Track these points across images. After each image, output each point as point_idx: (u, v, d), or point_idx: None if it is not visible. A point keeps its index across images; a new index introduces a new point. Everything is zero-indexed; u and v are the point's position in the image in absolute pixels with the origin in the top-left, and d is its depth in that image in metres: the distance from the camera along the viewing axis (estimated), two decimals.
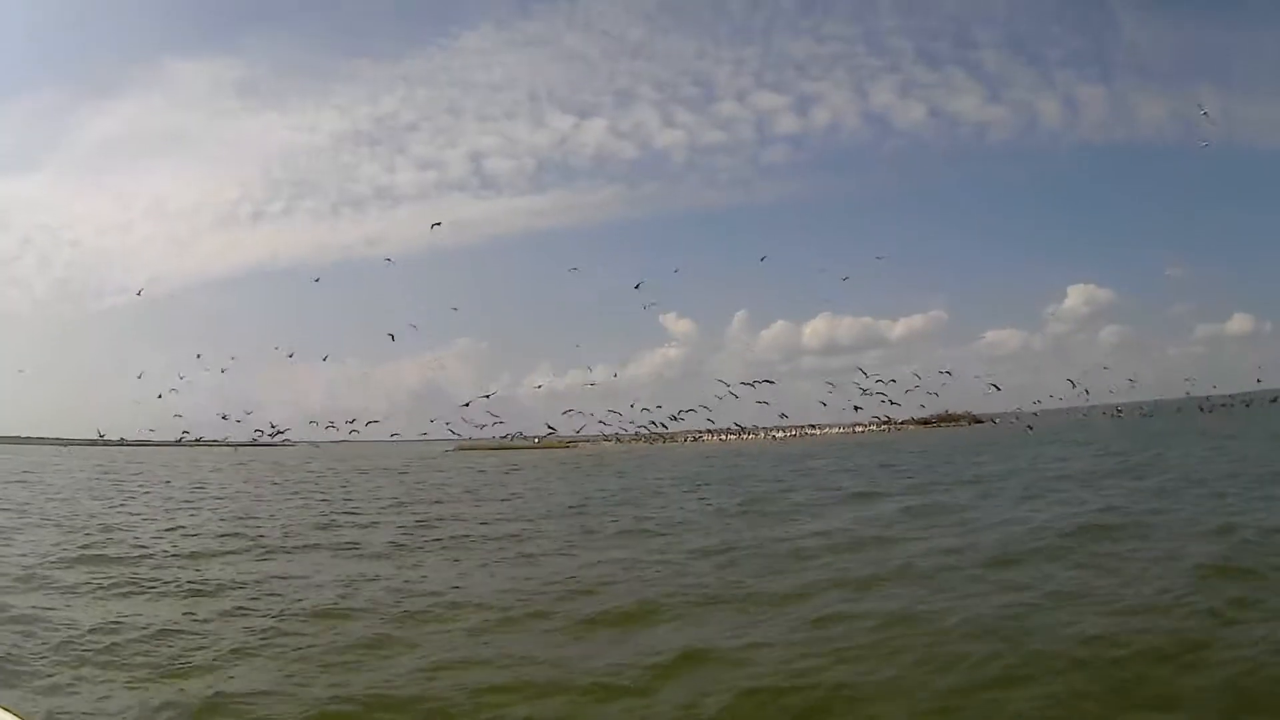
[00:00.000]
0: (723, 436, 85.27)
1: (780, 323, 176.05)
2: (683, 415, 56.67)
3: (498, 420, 49.62)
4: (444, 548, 14.77)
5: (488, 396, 46.76)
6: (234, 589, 11.01)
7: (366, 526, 18.33)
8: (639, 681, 6.92)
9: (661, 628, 8.70)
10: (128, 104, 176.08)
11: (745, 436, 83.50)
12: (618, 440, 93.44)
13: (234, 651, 8.01)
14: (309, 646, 8.15)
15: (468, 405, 46.28)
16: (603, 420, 57.55)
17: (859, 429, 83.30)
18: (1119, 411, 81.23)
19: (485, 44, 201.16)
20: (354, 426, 49.57)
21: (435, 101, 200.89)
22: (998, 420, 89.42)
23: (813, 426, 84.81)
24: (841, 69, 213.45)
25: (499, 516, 19.93)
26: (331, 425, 49.90)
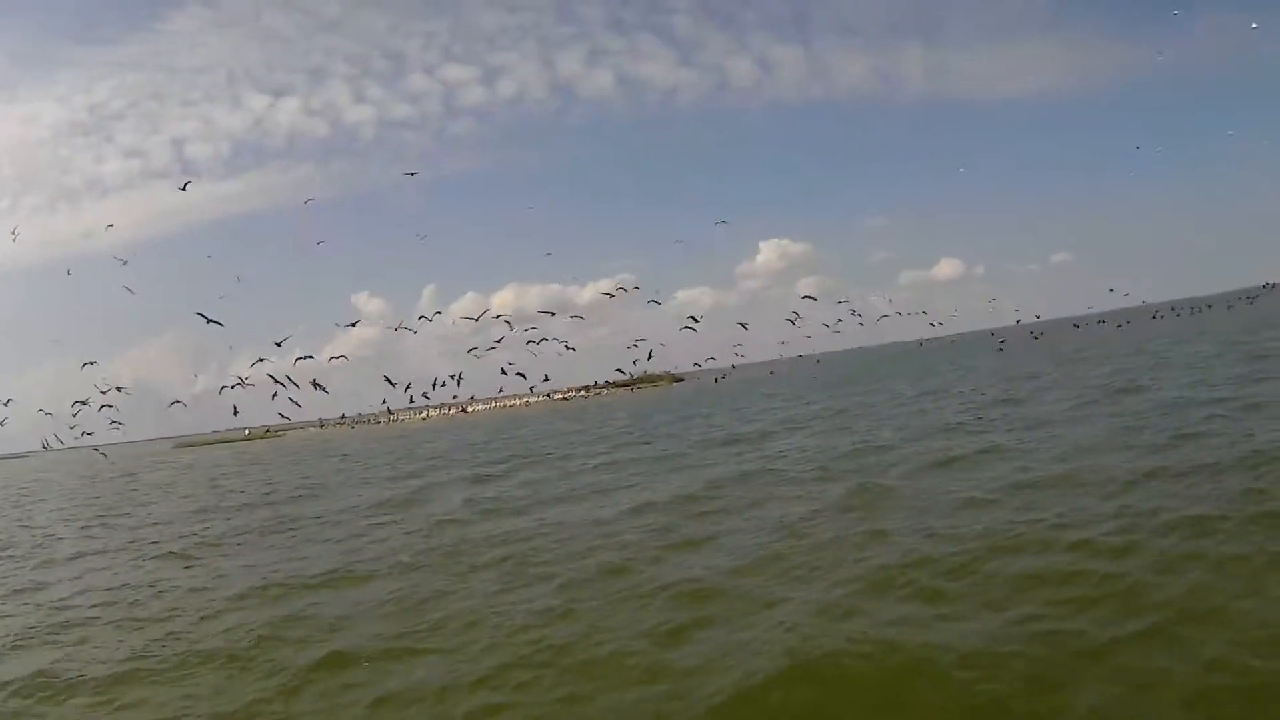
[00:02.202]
0: (433, 413, 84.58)
1: (470, 295, 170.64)
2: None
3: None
4: None
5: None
6: None
7: None
8: None
9: None
10: None
11: (450, 411, 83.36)
12: (321, 425, 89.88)
13: None
14: None
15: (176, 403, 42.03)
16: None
17: (558, 396, 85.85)
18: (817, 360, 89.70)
19: (192, 25, 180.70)
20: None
21: (142, 87, 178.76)
22: (699, 378, 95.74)
23: (516, 396, 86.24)
24: (531, 39, 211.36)
25: None
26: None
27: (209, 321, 20.70)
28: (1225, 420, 12.76)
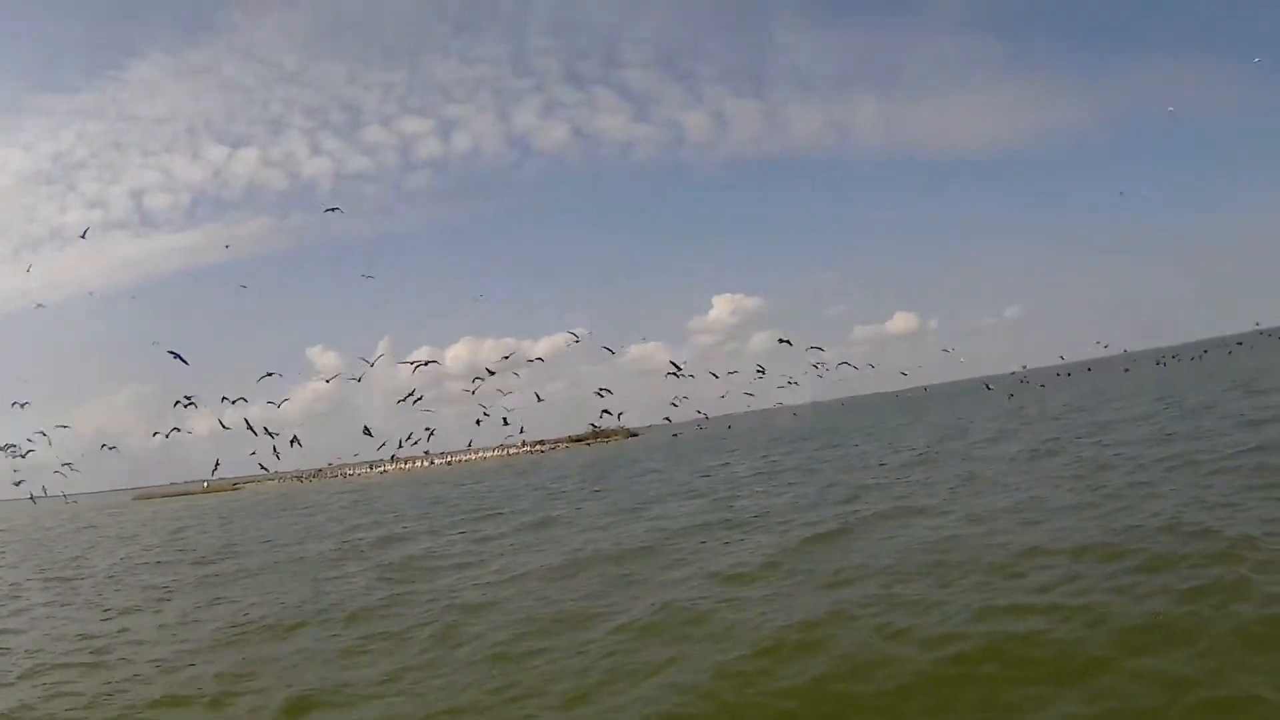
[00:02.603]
0: (386, 468, 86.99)
1: (425, 348, 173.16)
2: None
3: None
4: None
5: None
6: None
7: None
8: None
9: None
10: None
11: (405, 465, 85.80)
12: (280, 480, 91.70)
13: None
14: None
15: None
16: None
17: (511, 451, 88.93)
18: (794, 414, 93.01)
19: (152, 74, 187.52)
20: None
21: (103, 136, 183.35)
22: (652, 433, 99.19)
23: (468, 452, 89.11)
24: (486, 91, 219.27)
25: None
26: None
27: (176, 358, 20.45)
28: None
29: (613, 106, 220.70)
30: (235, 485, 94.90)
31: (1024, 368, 63.67)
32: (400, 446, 27.63)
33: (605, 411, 29.49)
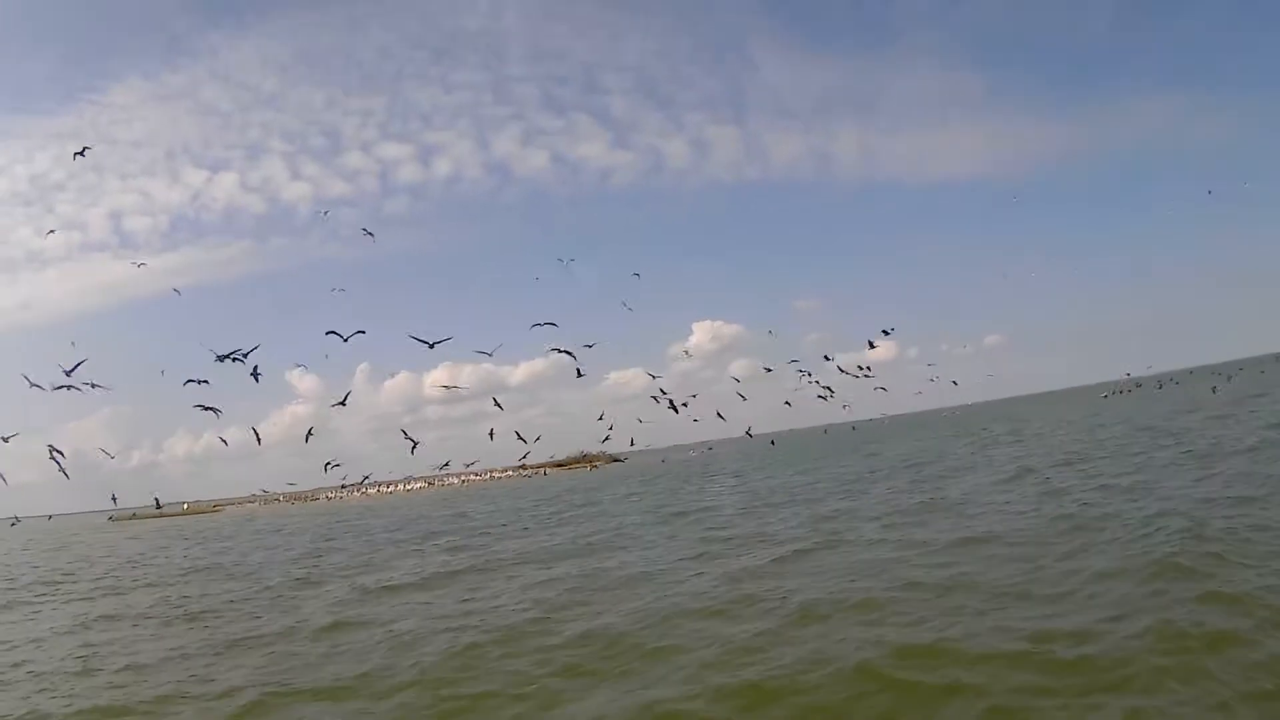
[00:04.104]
0: (367, 490, 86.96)
1: (403, 373, 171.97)
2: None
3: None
4: None
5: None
6: None
7: None
8: None
9: None
10: None
11: (387, 489, 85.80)
12: (264, 500, 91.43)
13: None
14: None
15: None
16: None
17: (494, 475, 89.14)
18: (772, 442, 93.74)
19: (131, 98, 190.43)
20: None
21: (82, 159, 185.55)
22: (638, 459, 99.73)
23: (450, 475, 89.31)
24: (466, 118, 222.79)
25: None
26: None
27: (192, 382, 18.17)
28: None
29: (592, 133, 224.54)
30: (215, 507, 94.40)
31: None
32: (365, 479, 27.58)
33: (607, 434, 29.58)
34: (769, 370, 30.90)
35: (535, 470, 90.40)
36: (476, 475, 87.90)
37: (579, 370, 24.82)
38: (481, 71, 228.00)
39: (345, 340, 18.72)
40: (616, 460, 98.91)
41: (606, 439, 30.25)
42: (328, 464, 26.56)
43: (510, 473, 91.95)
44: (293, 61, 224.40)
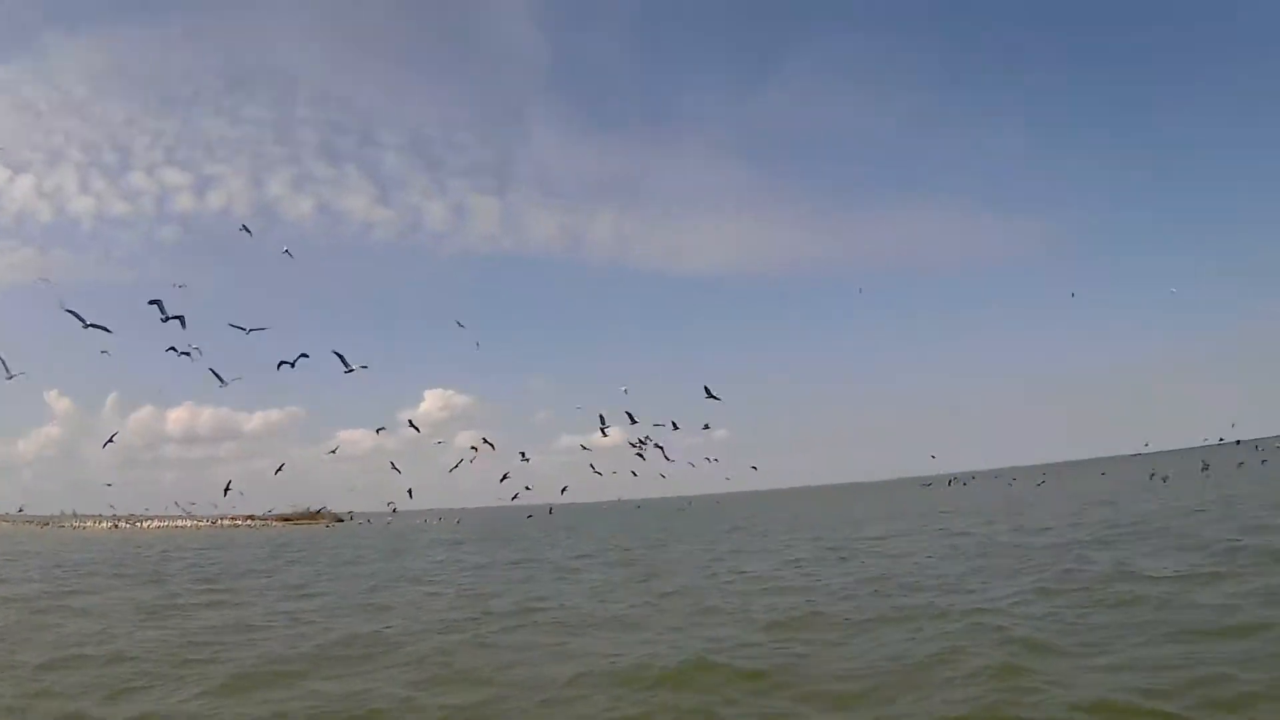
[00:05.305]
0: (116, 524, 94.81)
1: (148, 407, 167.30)
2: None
3: None
4: None
5: None
6: None
7: None
8: None
9: None
10: None
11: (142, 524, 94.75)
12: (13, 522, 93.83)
13: None
14: None
15: None
16: None
17: (224, 522, 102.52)
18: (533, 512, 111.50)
19: None
20: None
21: None
22: (356, 518, 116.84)
23: (187, 519, 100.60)
24: (246, 155, 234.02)
25: None
26: None
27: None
28: None
29: (359, 187, 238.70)
30: None
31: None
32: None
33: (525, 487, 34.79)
34: (491, 446, 31.38)
35: (263, 521, 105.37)
36: (207, 521, 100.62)
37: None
38: (270, 108, 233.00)
39: (85, 326, 17.64)
40: (339, 520, 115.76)
41: (521, 490, 33.88)
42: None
43: (240, 522, 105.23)
44: (106, 71, 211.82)
